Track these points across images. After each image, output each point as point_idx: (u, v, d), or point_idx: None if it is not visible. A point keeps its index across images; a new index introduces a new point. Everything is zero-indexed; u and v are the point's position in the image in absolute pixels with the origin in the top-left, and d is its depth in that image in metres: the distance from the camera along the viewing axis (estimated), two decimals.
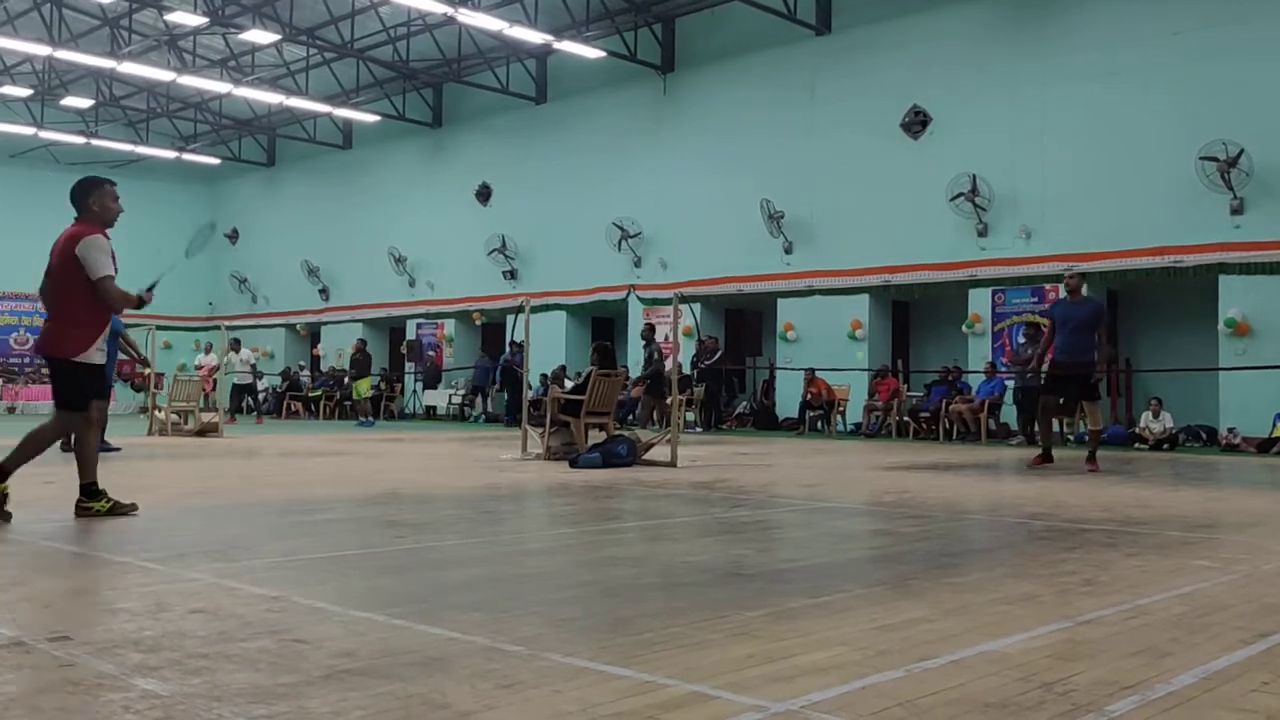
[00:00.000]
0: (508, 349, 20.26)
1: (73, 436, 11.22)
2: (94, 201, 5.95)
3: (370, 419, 22.48)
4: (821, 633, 3.23)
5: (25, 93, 25.92)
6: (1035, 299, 17.46)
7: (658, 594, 3.94)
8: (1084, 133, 16.80)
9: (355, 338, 26.46)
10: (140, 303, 6.05)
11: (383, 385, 25.96)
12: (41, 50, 22.63)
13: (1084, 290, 11.27)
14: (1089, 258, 16.64)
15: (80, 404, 5.92)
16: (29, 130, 27.26)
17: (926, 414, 17.67)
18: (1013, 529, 6.07)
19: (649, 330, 19.79)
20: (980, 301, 18.15)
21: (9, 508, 5.64)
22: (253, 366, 24.08)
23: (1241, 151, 15.06)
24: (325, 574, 4.30)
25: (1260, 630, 3.33)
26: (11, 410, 25.90)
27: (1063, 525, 6.08)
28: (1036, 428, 15.69)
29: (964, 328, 18.30)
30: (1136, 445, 15.23)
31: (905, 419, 17.97)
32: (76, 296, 5.79)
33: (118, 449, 11.83)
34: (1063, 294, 11.30)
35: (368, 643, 3.04)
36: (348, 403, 24.55)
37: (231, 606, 3.51)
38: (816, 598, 3.79)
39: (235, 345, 24.28)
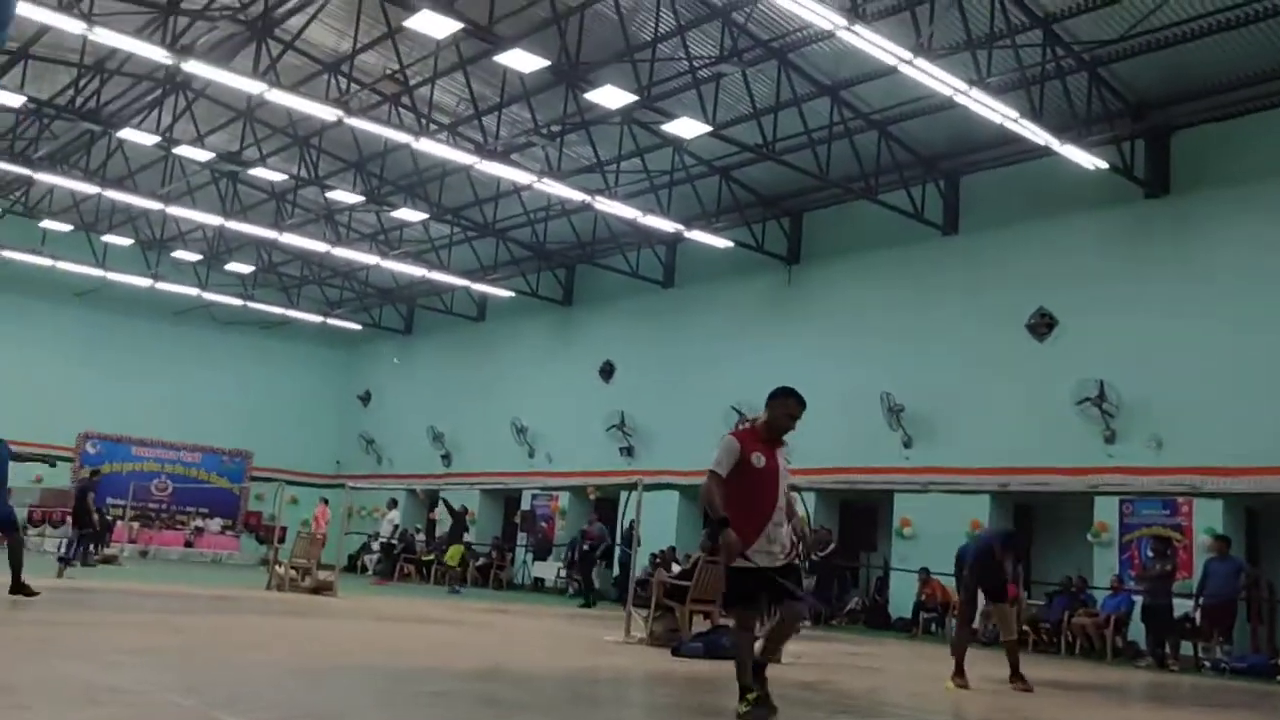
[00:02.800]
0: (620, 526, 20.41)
1: (16, 577, 10.24)
2: (774, 407, 6.18)
3: (458, 588, 22.55)
4: None
5: (195, 258, 28.04)
6: (1167, 511, 16.77)
7: None
8: (1223, 344, 16.32)
9: (460, 503, 26.96)
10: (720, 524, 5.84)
11: (493, 554, 26.19)
12: (215, 220, 24.58)
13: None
14: (1226, 472, 16.01)
15: (730, 603, 6.08)
16: (194, 291, 29.34)
17: (1047, 625, 16.89)
18: None
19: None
20: (1107, 510, 17.51)
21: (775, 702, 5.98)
22: (395, 527, 24.70)
23: None
24: None
25: None
26: (144, 554, 26.92)
27: None
28: (1162, 648, 14.91)
29: (1089, 536, 17.62)
30: (1279, 679, 14.20)
31: (1024, 629, 17.19)
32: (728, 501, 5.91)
33: (36, 594, 10.38)
34: None
35: None
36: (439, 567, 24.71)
37: None
38: None
39: (392, 504, 24.98)
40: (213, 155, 20.91)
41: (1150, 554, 15.89)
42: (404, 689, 6.39)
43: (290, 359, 34.53)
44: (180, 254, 27.70)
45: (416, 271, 27.26)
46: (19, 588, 10.30)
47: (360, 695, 6.03)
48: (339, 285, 31.92)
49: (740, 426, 6.23)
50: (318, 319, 31.79)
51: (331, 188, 23.11)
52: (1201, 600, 14.67)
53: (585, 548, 20.62)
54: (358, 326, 33.07)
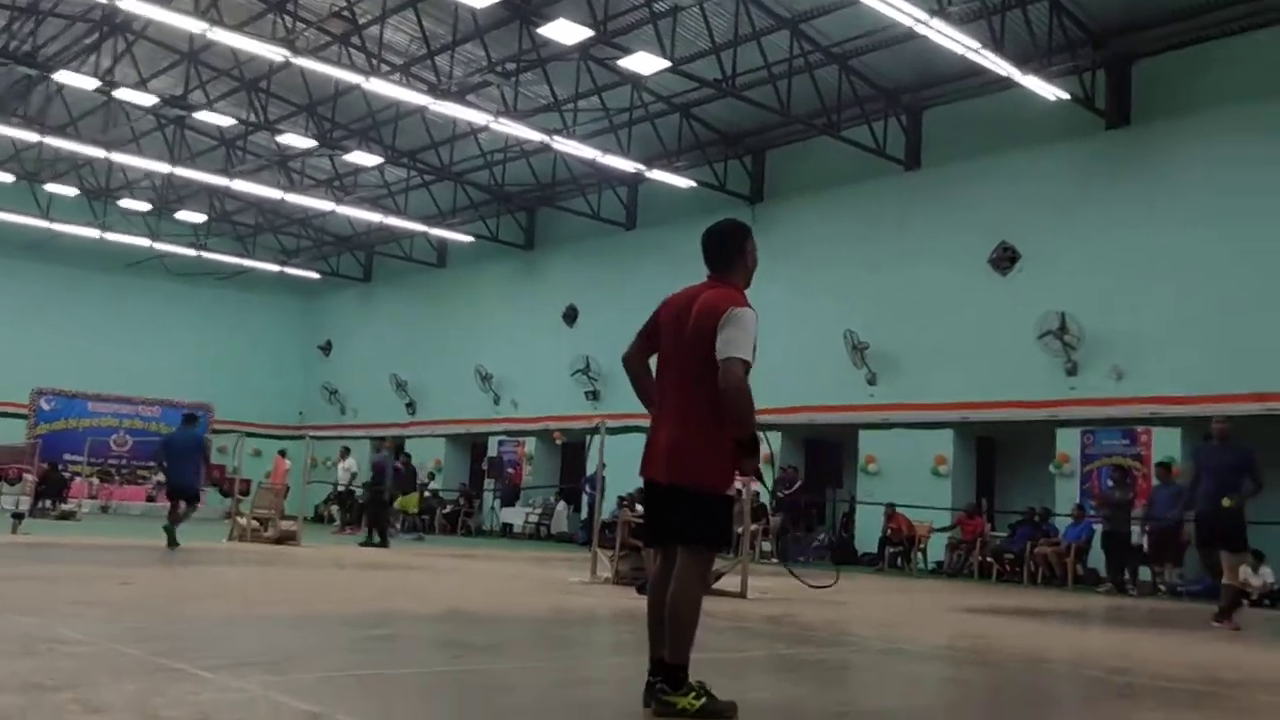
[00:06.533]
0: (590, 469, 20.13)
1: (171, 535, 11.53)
2: (750, 253, 4.45)
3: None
4: None
5: (145, 207, 27.38)
6: (1126, 441, 16.92)
7: None
8: (1185, 272, 16.31)
9: (436, 453, 26.85)
10: (754, 444, 4.09)
11: (460, 501, 26.12)
12: (162, 168, 23.97)
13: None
14: (1184, 400, 16.11)
15: (724, 543, 4.19)
16: (145, 242, 28.68)
17: (1011, 555, 17.08)
18: (1090, 683, 5.75)
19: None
20: (1069, 442, 17.65)
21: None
22: (353, 476, 24.33)
23: None
24: (372, 692, 4.26)
25: None
26: (104, 510, 26.59)
27: (1145, 682, 5.75)
28: (1121, 574, 15.12)
29: (1051, 468, 17.77)
30: None
31: (988, 559, 17.39)
32: (714, 395, 4.02)
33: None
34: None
35: None
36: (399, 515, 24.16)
37: None
38: None
39: (345, 453, 24.72)
40: (157, 100, 20.34)
41: (1110, 482, 16.10)
42: (357, 633, 6.28)
43: (248, 310, 34.00)
44: (128, 203, 27.03)
45: (373, 217, 26.81)
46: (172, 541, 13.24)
47: (311, 640, 5.91)
48: (295, 233, 31.35)
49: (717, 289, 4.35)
50: (275, 268, 31.25)
51: (282, 131, 22.54)
52: (1147, 527, 14.90)
53: (371, 481, 18.98)
54: (316, 275, 32.54)
